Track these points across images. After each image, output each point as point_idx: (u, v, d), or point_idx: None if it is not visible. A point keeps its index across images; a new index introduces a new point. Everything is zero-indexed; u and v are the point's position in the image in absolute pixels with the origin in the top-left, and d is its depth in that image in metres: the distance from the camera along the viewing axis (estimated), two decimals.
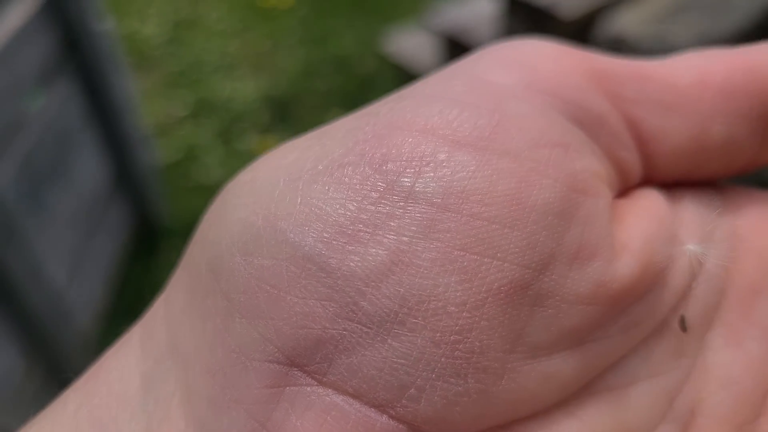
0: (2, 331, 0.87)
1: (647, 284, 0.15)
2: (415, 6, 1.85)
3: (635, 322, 0.15)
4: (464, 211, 0.13)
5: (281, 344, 0.13)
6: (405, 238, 0.13)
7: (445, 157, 0.14)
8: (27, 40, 0.94)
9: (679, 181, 0.17)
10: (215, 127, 1.60)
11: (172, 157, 1.52)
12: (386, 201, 0.13)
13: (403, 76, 1.60)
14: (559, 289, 0.14)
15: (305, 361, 0.13)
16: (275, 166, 0.15)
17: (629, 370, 0.15)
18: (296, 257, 0.13)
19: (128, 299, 1.22)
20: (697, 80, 0.16)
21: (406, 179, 0.14)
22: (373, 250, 0.13)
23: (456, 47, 1.33)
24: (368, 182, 0.14)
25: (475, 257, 0.13)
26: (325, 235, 0.13)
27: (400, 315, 0.13)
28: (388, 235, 0.13)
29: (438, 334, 0.13)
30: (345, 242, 0.13)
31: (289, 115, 1.62)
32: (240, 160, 1.50)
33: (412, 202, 0.13)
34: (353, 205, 0.13)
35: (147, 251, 1.31)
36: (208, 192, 1.46)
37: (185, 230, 1.30)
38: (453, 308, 0.13)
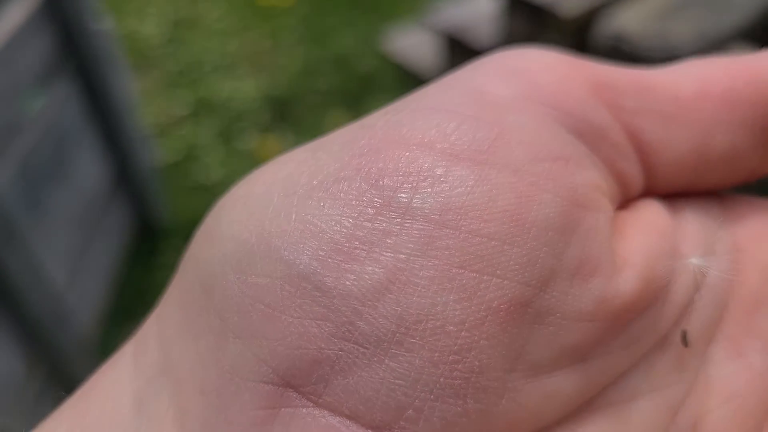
0: (2, 332, 0.87)
1: (649, 299, 0.15)
2: (415, 4, 1.84)
3: (637, 337, 0.15)
4: (463, 228, 0.13)
5: (276, 365, 0.13)
6: (402, 256, 0.13)
7: (443, 172, 0.14)
8: (26, 41, 0.94)
9: (680, 191, 0.17)
10: (215, 126, 1.59)
11: (172, 157, 1.52)
12: (383, 217, 0.13)
13: (403, 74, 1.59)
14: (560, 306, 0.14)
15: (301, 381, 0.13)
16: (270, 180, 0.15)
17: (631, 385, 0.15)
18: (291, 276, 0.13)
19: (128, 300, 1.22)
20: (699, 90, 0.16)
21: (403, 195, 0.13)
22: (370, 268, 0.13)
23: (456, 46, 1.33)
24: (364, 198, 0.13)
25: (474, 275, 0.13)
26: (321, 252, 0.13)
27: (397, 335, 0.13)
28: (384, 253, 0.13)
29: (436, 354, 0.13)
30: (341, 260, 0.13)
31: (290, 114, 1.62)
32: (240, 159, 1.50)
33: (409, 219, 0.13)
34: (349, 222, 0.13)
35: (147, 252, 1.31)
36: (209, 192, 1.47)
37: (186, 230, 1.30)
38: (452, 327, 0.13)
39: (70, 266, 1.05)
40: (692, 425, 0.15)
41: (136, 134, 1.27)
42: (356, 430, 0.13)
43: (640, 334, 0.15)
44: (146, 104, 1.60)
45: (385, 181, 0.13)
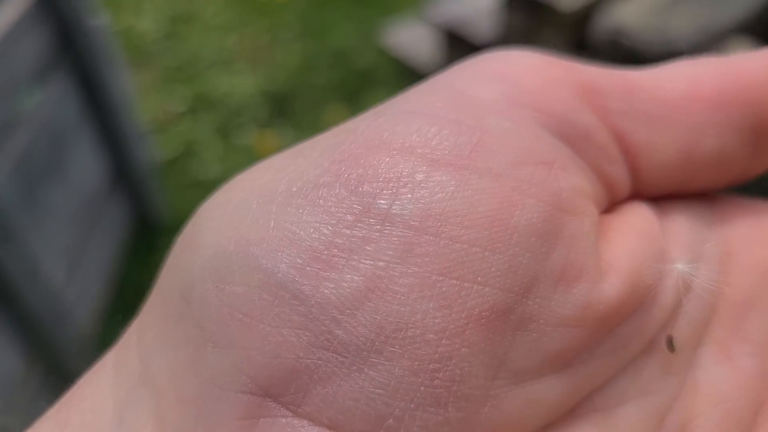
0: (0, 330, 0.87)
1: (635, 304, 0.15)
2: None
3: (623, 342, 0.15)
4: (443, 234, 0.13)
5: (254, 374, 0.13)
6: (381, 263, 0.13)
7: (423, 178, 0.13)
8: (22, 37, 0.94)
9: (669, 194, 0.17)
10: (213, 122, 1.59)
11: (170, 154, 1.52)
12: (362, 224, 0.13)
13: (402, 69, 1.59)
14: (544, 312, 0.13)
15: (279, 391, 0.13)
16: (249, 187, 0.14)
17: (617, 391, 0.15)
18: (269, 284, 0.13)
19: (127, 297, 1.22)
20: (687, 91, 0.16)
21: (382, 201, 0.13)
22: (349, 276, 0.13)
23: (455, 40, 1.32)
24: (343, 205, 0.13)
25: (455, 282, 0.13)
26: (299, 261, 0.13)
27: (376, 343, 0.12)
28: (363, 261, 0.13)
29: (417, 363, 0.12)
30: (319, 268, 0.13)
31: (288, 109, 1.61)
32: (239, 155, 1.50)
33: (388, 225, 0.13)
34: (328, 229, 0.13)
35: (145, 248, 1.31)
36: (207, 188, 1.45)
37: (184, 227, 1.30)
38: (432, 335, 0.13)
39: (68, 263, 1.05)
40: (680, 430, 0.15)
41: (134, 130, 1.27)
42: None
43: (627, 339, 0.15)
44: (144, 100, 1.60)
45: (364, 187, 0.13)
